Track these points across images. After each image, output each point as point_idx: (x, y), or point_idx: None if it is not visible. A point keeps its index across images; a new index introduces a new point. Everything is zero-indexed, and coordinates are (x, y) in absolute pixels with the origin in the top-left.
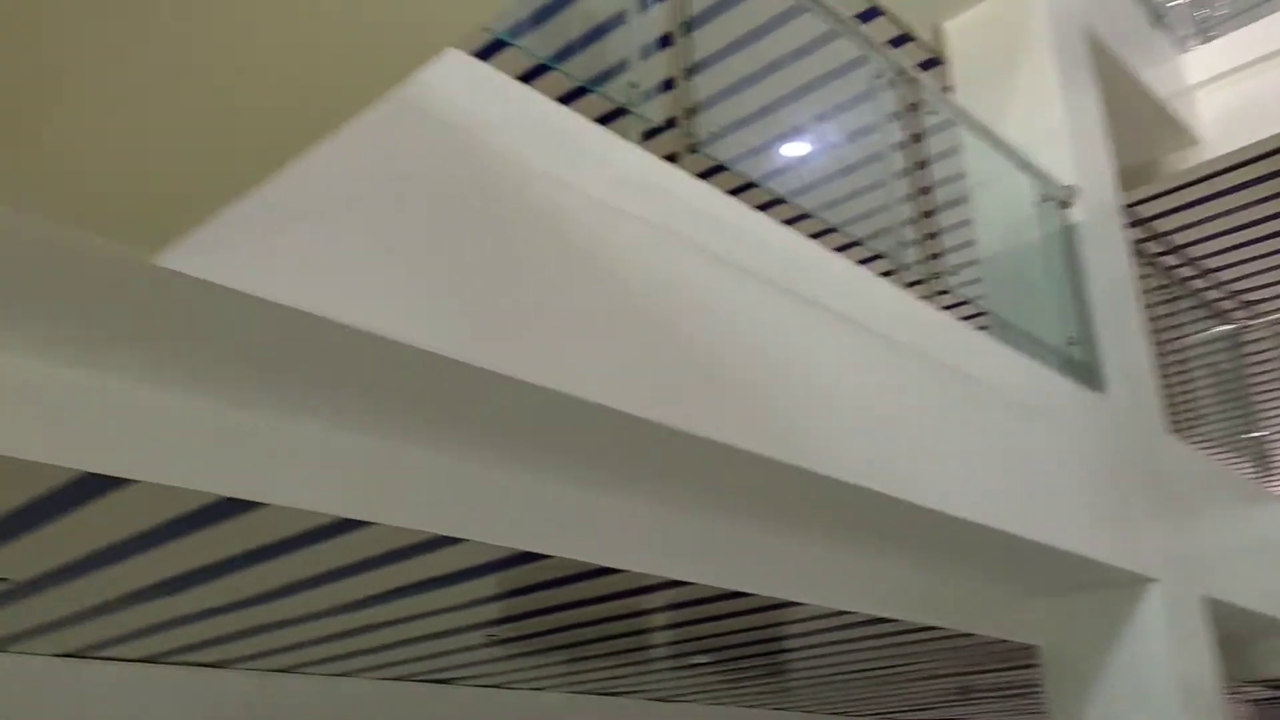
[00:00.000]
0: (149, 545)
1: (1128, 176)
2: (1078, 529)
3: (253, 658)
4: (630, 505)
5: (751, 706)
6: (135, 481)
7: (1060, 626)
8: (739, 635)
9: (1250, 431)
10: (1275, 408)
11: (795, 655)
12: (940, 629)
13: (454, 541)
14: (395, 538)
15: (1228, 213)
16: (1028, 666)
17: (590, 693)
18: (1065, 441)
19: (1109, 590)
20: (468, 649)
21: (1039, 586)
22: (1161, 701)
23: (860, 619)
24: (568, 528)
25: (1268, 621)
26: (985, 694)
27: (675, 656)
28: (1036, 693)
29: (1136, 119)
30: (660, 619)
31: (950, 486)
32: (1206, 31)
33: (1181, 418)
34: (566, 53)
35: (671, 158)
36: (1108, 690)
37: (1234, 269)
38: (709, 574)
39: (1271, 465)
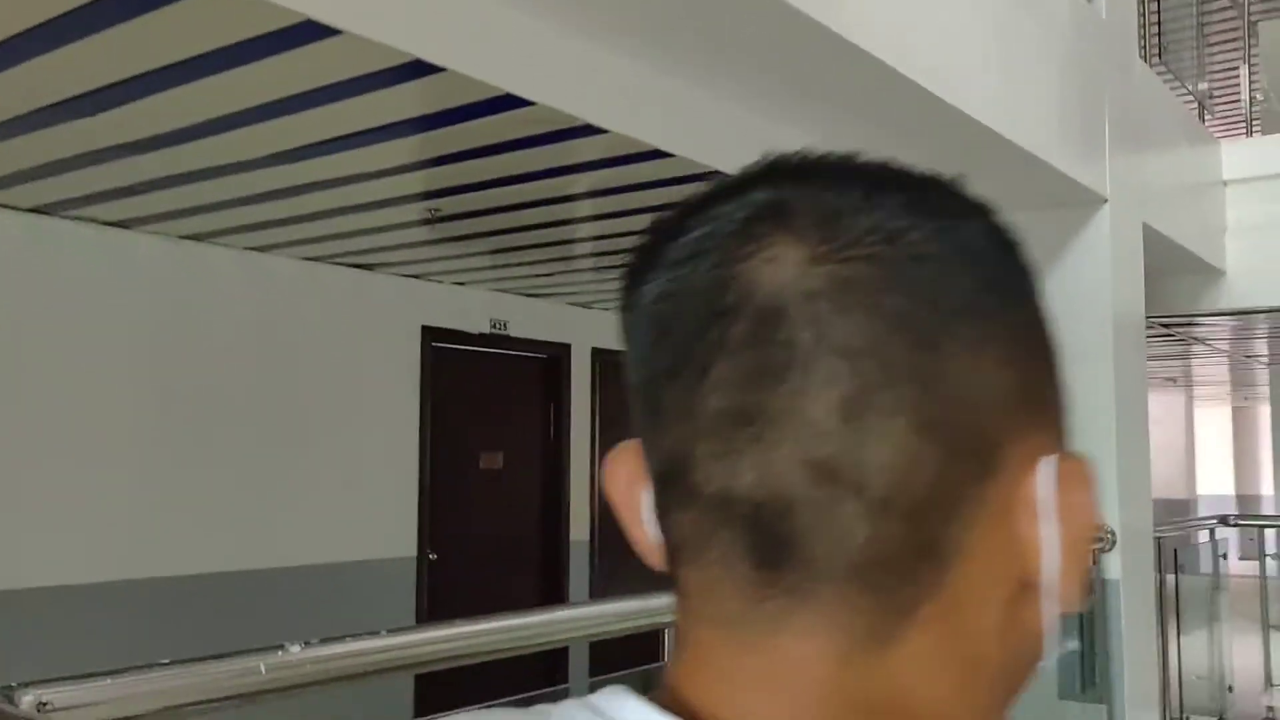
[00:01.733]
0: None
1: None
2: (1049, 135)
3: (163, 218)
4: (618, 59)
5: None
6: None
7: None
8: None
9: (1198, 80)
10: (1225, 61)
11: None
12: None
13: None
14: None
15: None
16: None
17: (511, 291)
18: (1054, 44)
19: (1058, 210)
20: (400, 226)
21: (990, 198)
22: (1095, 325)
23: None
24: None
25: (1186, 256)
26: None
27: (599, 257)
28: None
29: None
30: (592, 225)
31: (938, 61)
32: None
33: (1149, 45)
34: None
35: None
36: None
37: None
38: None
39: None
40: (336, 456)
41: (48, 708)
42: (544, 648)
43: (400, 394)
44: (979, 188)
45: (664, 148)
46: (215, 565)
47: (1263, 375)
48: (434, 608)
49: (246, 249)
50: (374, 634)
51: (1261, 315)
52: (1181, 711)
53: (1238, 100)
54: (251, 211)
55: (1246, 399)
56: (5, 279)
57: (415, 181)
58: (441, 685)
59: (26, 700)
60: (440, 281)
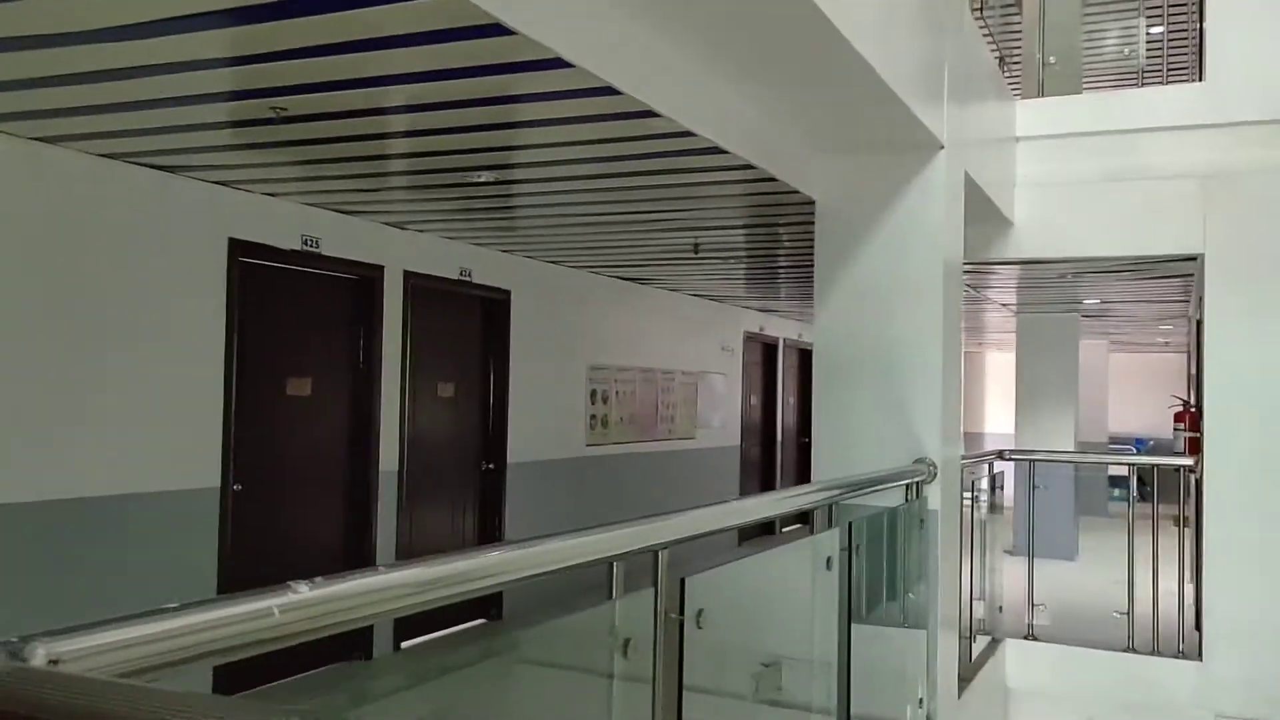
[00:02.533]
0: None
1: None
2: (910, 77)
3: None
4: None
5: (481, 244)
6: None
7: (843, 182)
8: (485, 156)
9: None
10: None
11: (540, 194)
12: (741, 168)
13: None
14: None
15: None
16: (799, 223)
17: (323, 206)
18: None
19: (901, 154)
20: (207, 126)
21: (841, 139)
22: (928, 265)
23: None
24: None
25: (988, 206)
26: (714, 252)
27: (415, 175)
28: (769, 255)
29: None
30: (409, 141)
31: None
32: None
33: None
34: None
35: None
36: (875, 250)
37: None
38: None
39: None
40: (132, 378)
41: (61, 661)
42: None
43: (204, 311)
44: (841, 126)
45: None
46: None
47: (993, 320)
48: (237, 541)
49: (32, 139)
50: (377, 570)
51: (1041, 265)
52: (970, 631)
53: (1033, 61)
54: (38, 96)
55: (980, 344)
56: None
57: (224, 79)
58: None
59: (39, 655)
60: (249, 191)
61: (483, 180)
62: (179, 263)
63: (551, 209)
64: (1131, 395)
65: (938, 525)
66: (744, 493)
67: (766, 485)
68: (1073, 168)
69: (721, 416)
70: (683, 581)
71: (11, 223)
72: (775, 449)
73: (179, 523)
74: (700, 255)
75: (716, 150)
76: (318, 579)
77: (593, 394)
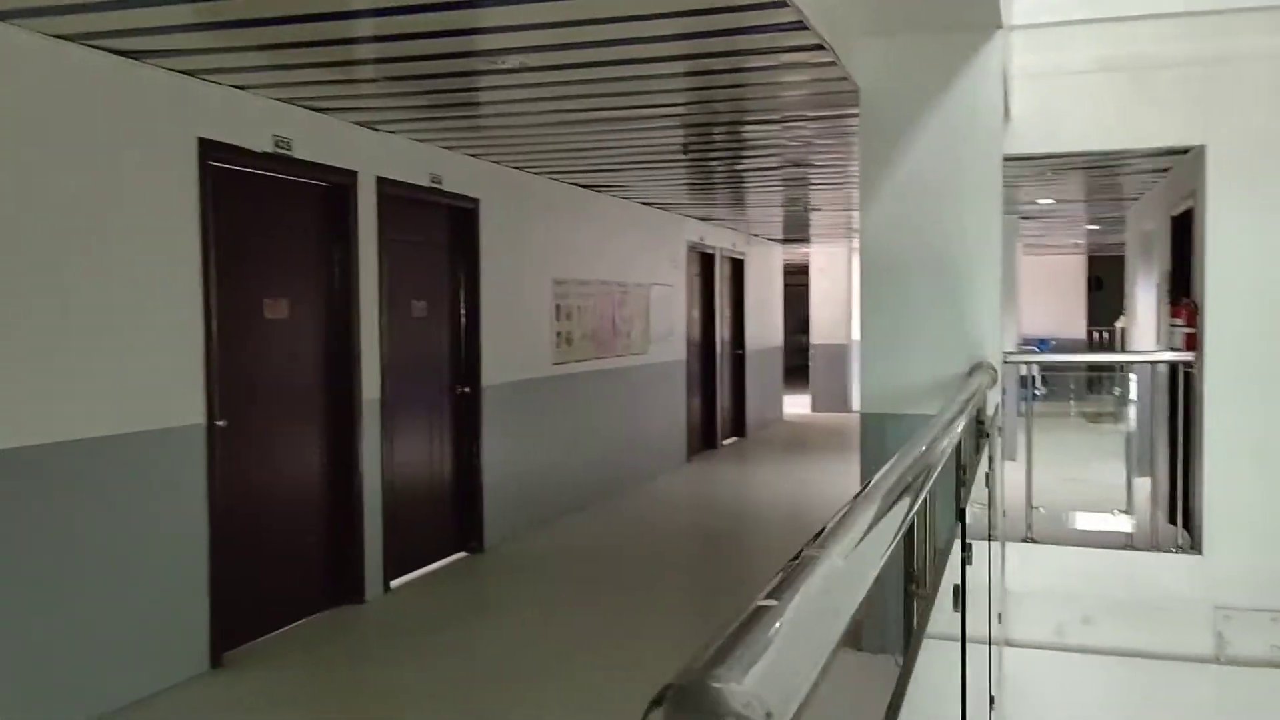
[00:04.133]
0: None
1: None
2: None
3: None
4: None
5: (450, 148)
6: None
7: (892, 67)
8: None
9: None
10: None
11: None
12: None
13: None
14: None
15: None
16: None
17: (295, 102)
18: None
19: (954, 34)
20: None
21: (891, 17)
22: (980, 157)
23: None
24: None
25: None
26: (703, 151)
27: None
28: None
29: None
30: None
31: None
32: None
33: None
34: None
35: None
36: (928, 141)
37: None
38: None
39: None
40: (100, 306)
41: None
42: None
43: (175, 224)
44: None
45: None
46: None
47: None
48: (224, 482)
49: None
50: None
51: (1027, 162)
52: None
53: None
54: None
55: None
56: None
57: None
58: None
59: None
60: (217, 83)
61: (508, 68)
62: (144, 164)
63: (527, 103)
64: (1038, 298)
65: (997, 432)
66: (691, 408)
67: (709, 400)
68: (1068, 57)
69: (669, 330)
70: None
71: None
72: (715, 362)
73: (162, 465)
74: (686, 156)
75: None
76: None
77: (556, 310)
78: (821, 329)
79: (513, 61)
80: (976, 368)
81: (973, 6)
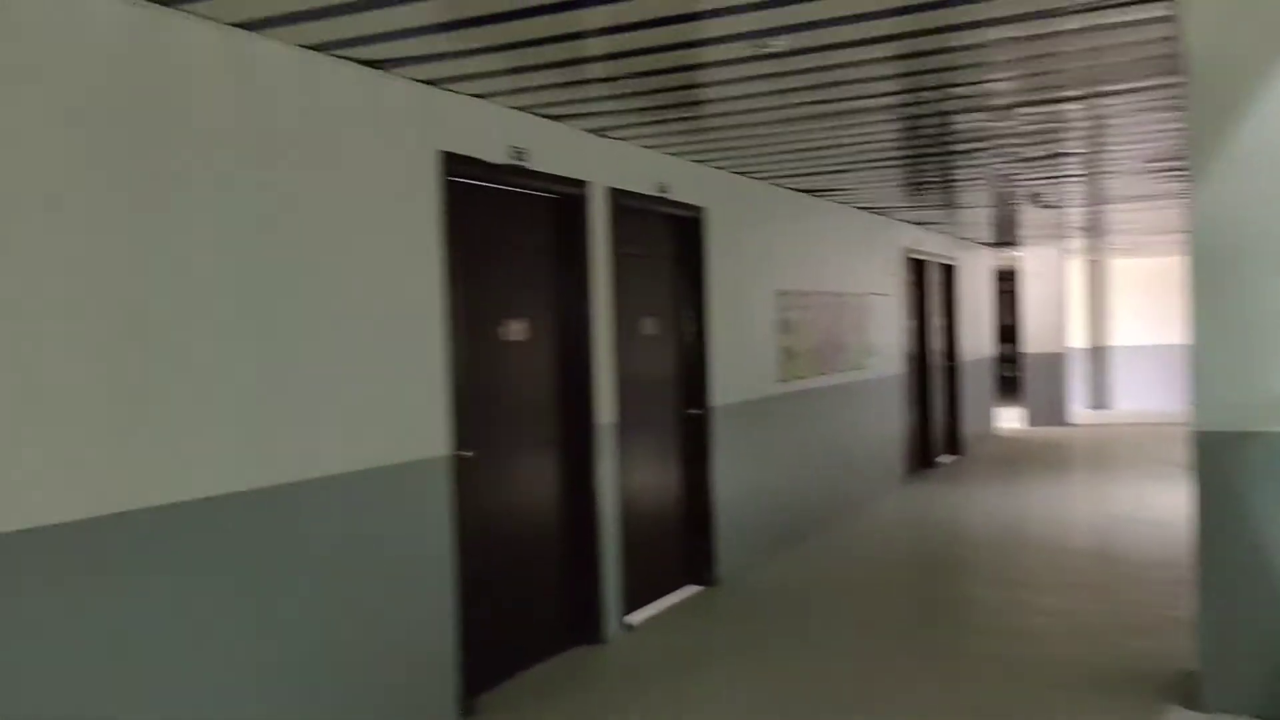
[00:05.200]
0: None
1: None
2: None
3: None
4: None
5: (675, 154)
6: None
7: (1226, 28)
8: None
9: None
10: None
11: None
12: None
13: None
14: None
15: None
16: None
17: (530, 109)
18: None
19: None
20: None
21: None
22: None
23: None
24: None
25: None
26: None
27: (619, 77)
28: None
29: None
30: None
31: None
32: None
33: None
34: None
35: None
36: (1270, 112)
37: None
38: None
39: None
40: (343, 330)
41: None
42: None
43: (418, 244)
44: None
45: None
46: (205, 488)
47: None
48: (468, 515)
49: (231, 24)
50: None
51: None
52: None
53: None
54: None
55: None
56: None
57: None
58: None
59: None
60: (457, 91)
61: (774, 51)
62: (387, 182)
63: (756, 98)
64: None
65: None
66: (907, 426)
67: (924, 416)
68: None
69: (886, 342)
70: None
71: (211, 129)
72: (928, 375)
73: (408, 500)
74: (933, 151)
75: None
76: None
77: (780, 323)
78: (1035, 337)
79: (780, 43)
80: None
81: None
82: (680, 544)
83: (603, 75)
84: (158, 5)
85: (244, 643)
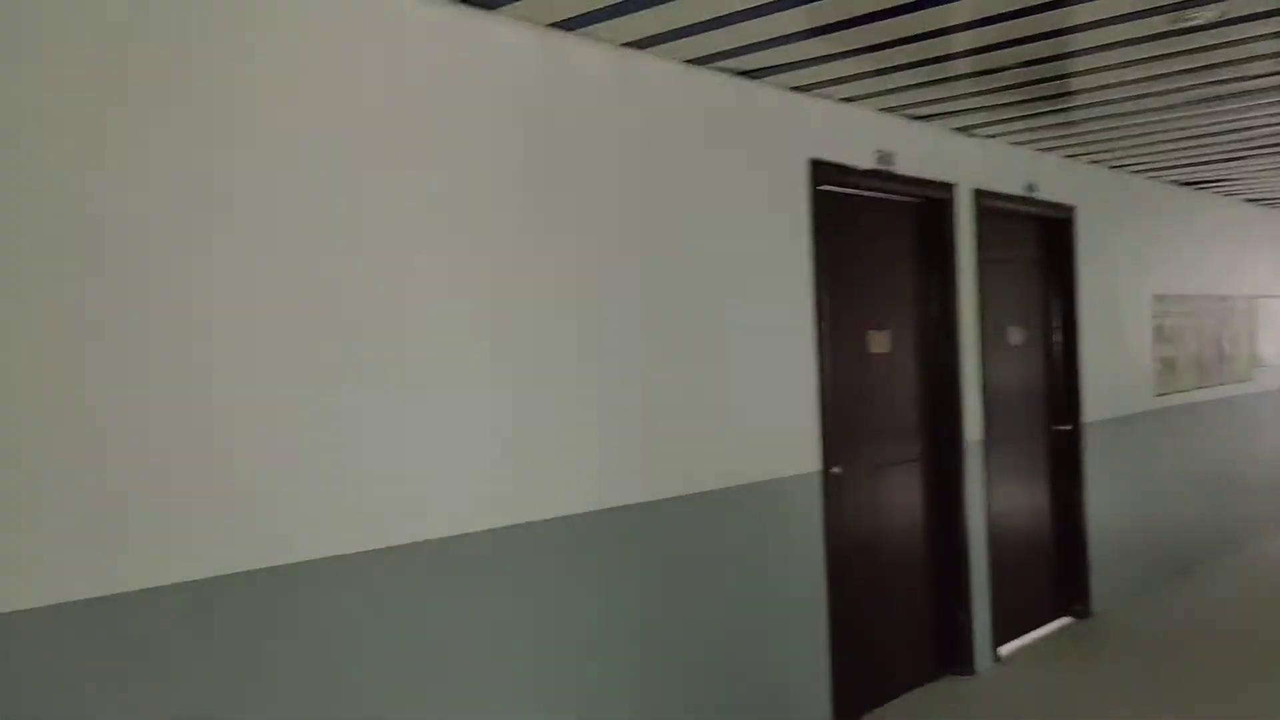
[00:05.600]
0: None
1: None
2: None
3: None
4: None
5: (1045, 150)
6: None
7: None
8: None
9: None
10: None
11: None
12: None
13: None
14: None
15: None
16: None
17: (896, 110)
18: None
19: None
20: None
21: None
22: None
23: None
24: None
25: None
26: None
27: (987, 71)
28: None
29: None
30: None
31: None
32: None
33: None
34: None
35: None
36: None
37: None
38: None
39: None
40: (731, 346)
41: None
42: None
43: (790, 257)
44: None
45: None
46: (604, 501)
47: None
48: (837, 534)
49: (623, 45)
50: None
51: None
52: None
53: None
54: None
55: None
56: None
57: None
58: None
59: None
60: (825, 97)
61: (1201, 23)
62: (761, 193)
63: (1136, 84)
64: None
65: None
66: None
67: None
68: None
69: (1277, 350)
70: None
71: (601, 152)
72: None
73: (780, 518)
74: None
75: None
76: None
77: (1157, 330)
78: None
79: (1211, 13)
80: None
81: None
82: (1052, 572)
83: (969, 71)
84: (558, 29)
85: (622, 652)
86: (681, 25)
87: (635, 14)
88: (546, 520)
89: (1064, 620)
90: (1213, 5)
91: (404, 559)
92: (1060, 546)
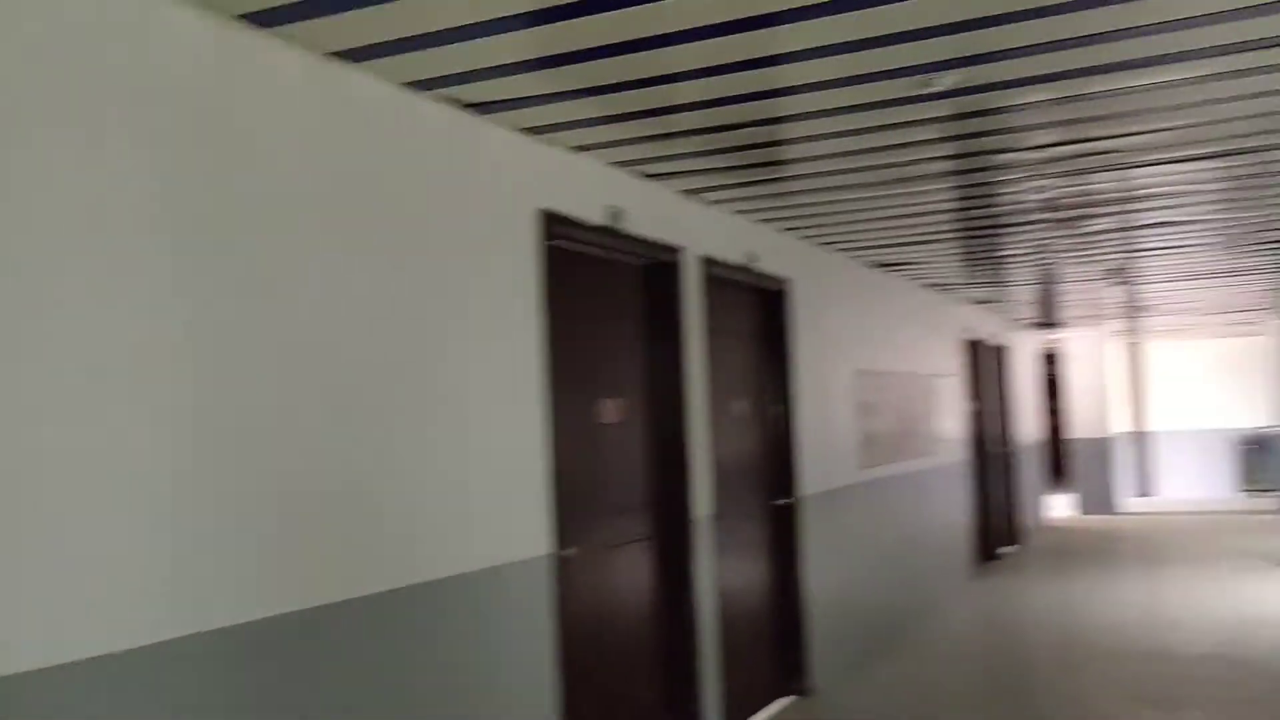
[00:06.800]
0: None
1: None
2: None
3: None
4: None
5: (764, 220)
6: None
7: None
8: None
9: None
10: None
11: None
12: None
13: None
14: None
15: None
16: None
17: (625, 165)
18: None
19: None
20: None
21: None
22: None
23: None
24: None
25: None
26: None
27: (710, 129)
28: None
29: None
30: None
31: None
32: None
33: None
34: None
35: None
36: None
37: None
38: None
39: None
40: (454, 413)
41: None
42: None
43: (517, 317)
44: None
45: None
46: (289, 603)
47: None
48: (568, 616)
49: (326, 54)
50: None
51: None
52: None
53: None
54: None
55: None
56: None
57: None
58: None
59: None
60: (559, 144)
61: (939, 90)
62: (487, 249)
63: (844, 158)
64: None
65: None
66: (971, 516)
67: (984, 505)
68: None
69: (952, 426)
70: None
71: (295, 185)
72: (987, 462)
73: (506, 607)
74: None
75: None
76: None
77: (860, 406)
78: (1082, 422)
79: (948, 81)
80: None
81: None
82: (775, 650)
83: (693, 127)
84: (243, 22)
85: None
86: (390, 39)
87: (332, 17)
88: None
89: (787, 699)
90: (951, 73)
91: None
92: (782, 624)
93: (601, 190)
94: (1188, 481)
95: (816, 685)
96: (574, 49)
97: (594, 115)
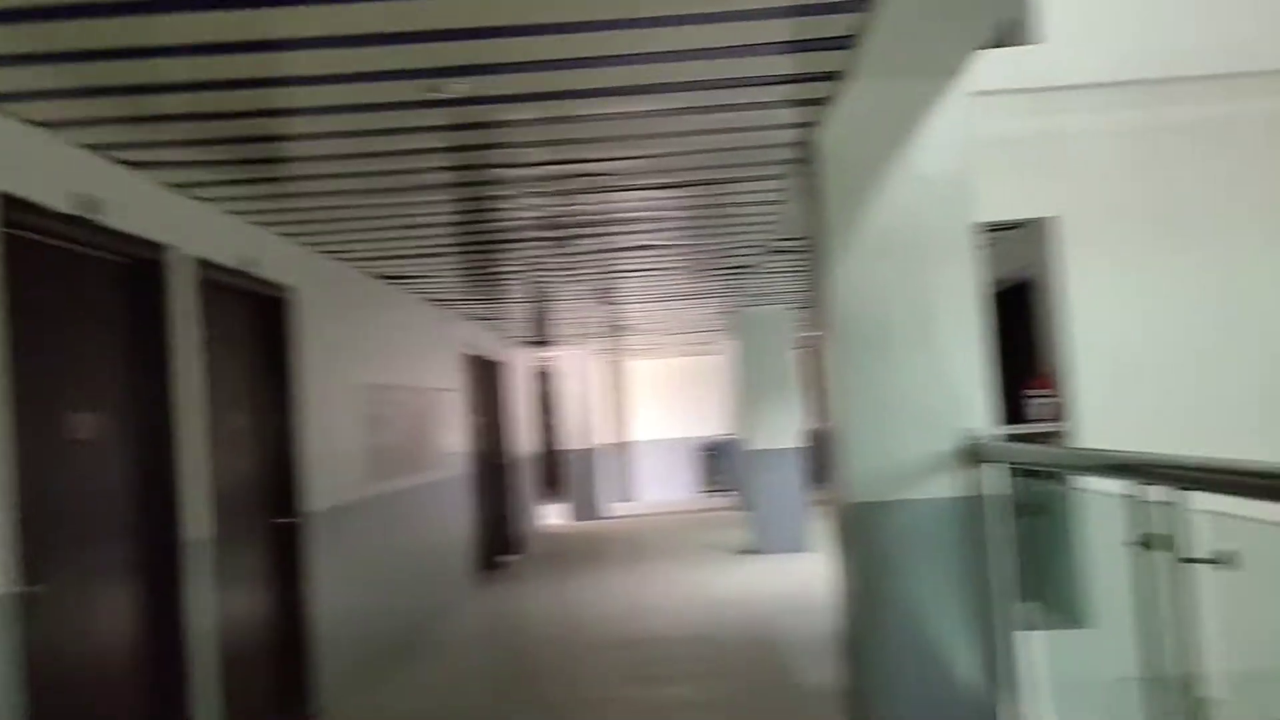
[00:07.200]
0: None
1: None
2: None
3: None
4: None
5: (264, 224)
6: None
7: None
8: None
9: None
10: None
11: None
12: None
13: None
14: None
15: None
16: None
17: (99, 150)
18: None
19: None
20: None
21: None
22: (951, 213)
23: None
24: None
25: None
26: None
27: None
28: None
29: None
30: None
31: None
32: None
33: None
34: None
35: None
36: (894, 200)
37: None
38: None
39: None
40: None
41: None
42: None
43: None
44: None
45: None
46: None
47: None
48: (35, 662)
49: None
50: None
51: None
52: None
53: None
54: None
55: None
56: None
57: None
58: None
59: None
60: (17, 116)
61: (451, 96)
62: None
63: (342, 160)
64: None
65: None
66: (474, 525)
67: (487, 515)
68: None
69: (455, 441)
70: None
71: None
72: (488, 474)
73: None
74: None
75: None
76: None
77: (370, 418)
78: (572, 434)
79: (461, 88)
80: (971, 441)
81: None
82: (278, 674)
83: (175, 112)
84: None
85: None
86: None
87: None
88: None
89: None
90: (464, 80)
91: None
92: (285, 646)
93: (74, 175)
94: (661, 485)
95: (324, 706)
96: (29, 5)
97: (56, 86)
